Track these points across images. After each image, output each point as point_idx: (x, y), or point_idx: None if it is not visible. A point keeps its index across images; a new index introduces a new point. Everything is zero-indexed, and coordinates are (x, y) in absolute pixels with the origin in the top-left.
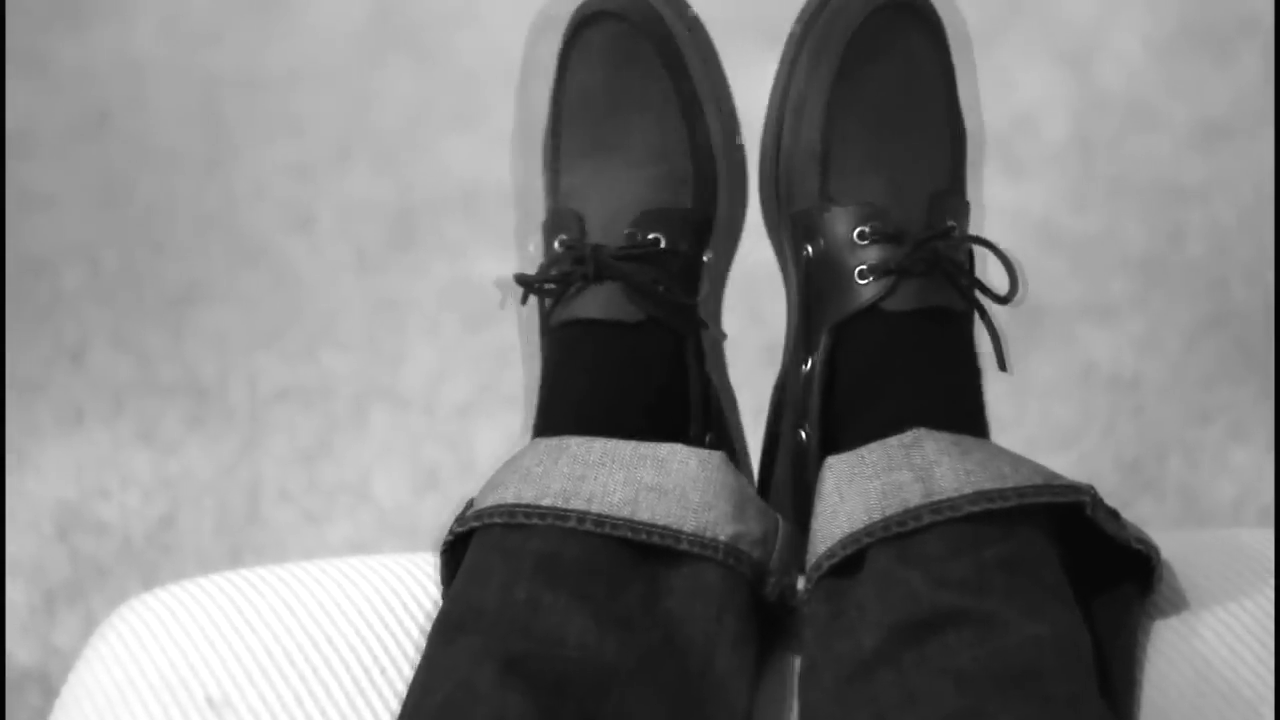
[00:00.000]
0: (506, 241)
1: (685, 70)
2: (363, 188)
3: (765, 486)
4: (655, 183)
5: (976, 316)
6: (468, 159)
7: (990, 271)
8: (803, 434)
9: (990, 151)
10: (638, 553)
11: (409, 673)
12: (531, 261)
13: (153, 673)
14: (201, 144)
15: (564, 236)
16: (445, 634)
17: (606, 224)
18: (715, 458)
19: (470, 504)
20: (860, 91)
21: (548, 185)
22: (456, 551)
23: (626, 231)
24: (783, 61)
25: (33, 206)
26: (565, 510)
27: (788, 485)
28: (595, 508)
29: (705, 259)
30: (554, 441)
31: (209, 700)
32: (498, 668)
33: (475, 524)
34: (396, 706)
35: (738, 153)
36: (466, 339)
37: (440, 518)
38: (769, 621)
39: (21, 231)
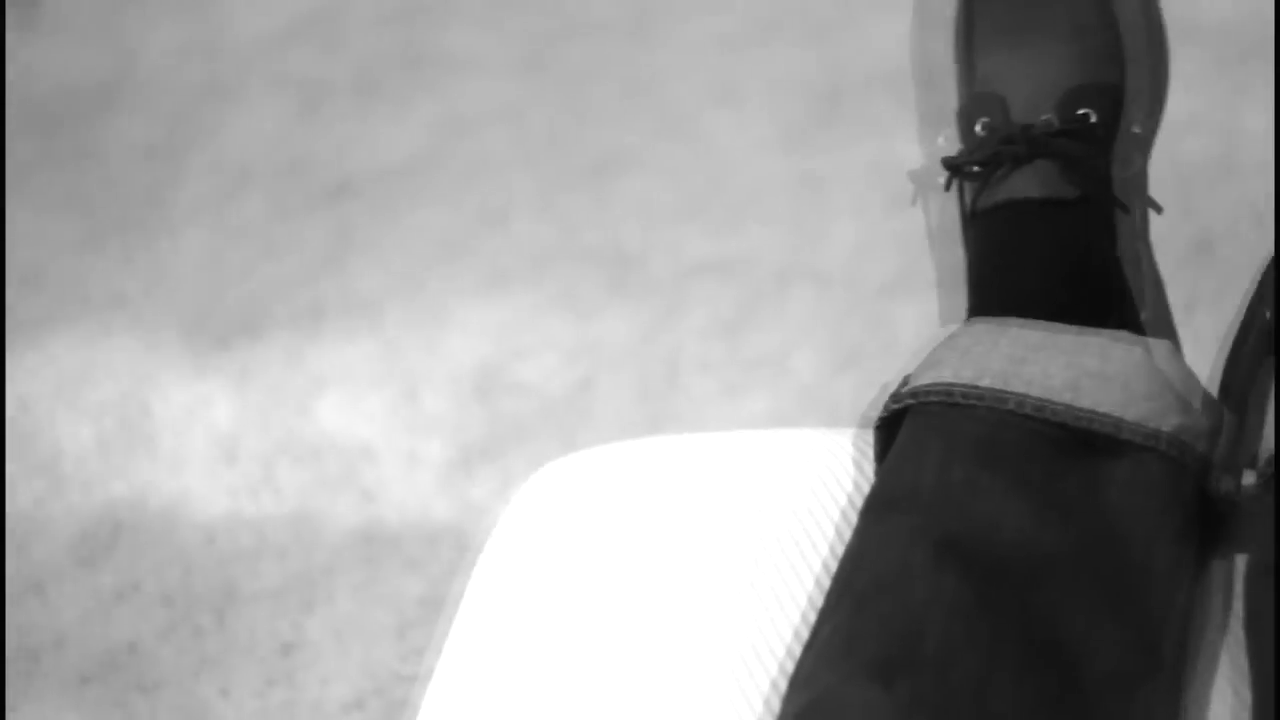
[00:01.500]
0: (931, 125)
1: None
2: (789, 63)
3: (1234, 364)
4: (1079, 59)
5: None
6: (897, 39)
7: None
8: (1268, 314)
9: None
10: (1077, 440)
11: (838, 549)
12: (941, 155)
13: (576, 536)
14: (628, 13)
15: (986, 119)
16: (879, 511)
17: (1030, 104)
18: (1161, 346)
19: (906, 380)
20: None
21: (960, 74)
22: (890, 428)
23: (1054, 109)
24: None
25: (457, 69)
26: (1004, 392)
27: (1253, 366)
28: (1035, 391)
29: (1135, 132)
30: (994, 322)
31: (634, 563)
32: (933, 548)
33: (911, 401)
34: (824, 580)
35: (1158, 26)
36: (890, 219)
37: (860, 396)
38: (1210, 518)
39: (446, 93)
